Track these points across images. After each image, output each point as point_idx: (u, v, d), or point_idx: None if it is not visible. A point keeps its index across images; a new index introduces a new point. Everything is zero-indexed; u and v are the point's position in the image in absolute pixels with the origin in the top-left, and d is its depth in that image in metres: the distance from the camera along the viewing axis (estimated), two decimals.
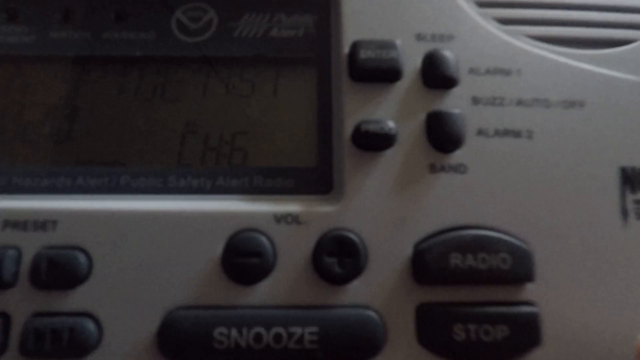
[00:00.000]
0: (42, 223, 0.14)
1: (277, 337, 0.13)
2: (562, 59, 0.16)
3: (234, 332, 0.13)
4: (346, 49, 0.16)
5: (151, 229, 0.14)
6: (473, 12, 0.17)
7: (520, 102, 0.16)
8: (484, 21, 0.17)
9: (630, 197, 0.15)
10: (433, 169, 0.15)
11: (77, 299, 0.13)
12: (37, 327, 0.13)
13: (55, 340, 0.13)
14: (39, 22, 0.17)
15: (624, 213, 0.15)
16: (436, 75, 0.16)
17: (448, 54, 0.16)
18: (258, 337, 0.13)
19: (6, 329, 0.13)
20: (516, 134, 0.15)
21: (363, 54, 0.16)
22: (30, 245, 0.14)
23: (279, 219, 0.14)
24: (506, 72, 0.16)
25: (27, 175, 0.15)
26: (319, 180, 0.15)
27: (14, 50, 0.17)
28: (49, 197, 0.15)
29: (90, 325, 0.13)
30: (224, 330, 0.13)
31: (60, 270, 0.13)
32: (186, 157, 0.16)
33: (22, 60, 0.17)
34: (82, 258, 0.14)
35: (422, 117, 0.15)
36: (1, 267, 0.13)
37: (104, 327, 0.13)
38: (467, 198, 0.14)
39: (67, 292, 0.13)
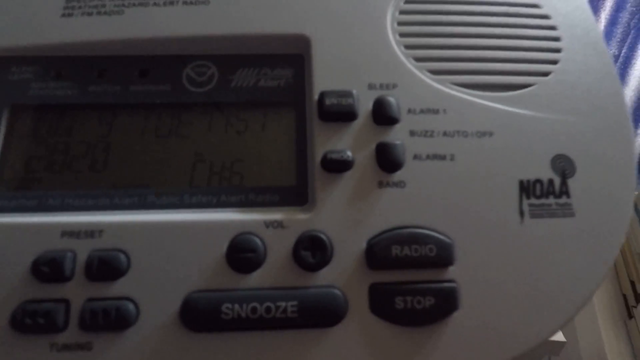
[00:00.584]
0: (91, 232, 0.19)
1: (268, 309, 0.18)
2: (478, 100, 0.22)
3: (236, 307, 0.18)
4: (316, 96, 0.21)
5: (172, 234, 0.19)
6: (411, 65, 0.22)
7: (445, 134, 0.21)
8: (419, 72, 0.22)
9: (525, 202, 0.20)
10: (380, 184, 0.20)
11: (120, 287, 0.18)
12: (92, 308, 0.18)
13: (105, 317, 0.18)
14: (79, 78, 0.22)
15: (522, 213, 0.20)
16: (383, 115, 0.21)
17: (392, 99, 0.21)
18: (254, 310, 0.18)
19: (67, 311, 0.18)
20: (442, 157, 0.21)
21: (328, 101, 0.21)
22: (83, 248, 0.18)
23: (268, 224, 0.19)
24: (435, 111, 0.21)
25: (76, 197, 0.20)
26: (297, 195, 0.20)
27: (60, 100, 0.22)
28: (94, 212, 0.20)
29: (131, 306, 0.18)
30: (229, 305, 0.18)
31: (107, 266, 0.18)
32: (196, 180, 0.21)
33: (68, 107, 0.22)
34: (122, 257, 0.18)
35: (372, 146, 0.20)
36: (63, 265, 0.18)
37: (140, 307, 0.18)
38: (405, 206, 0.19)
39: (112, 283, 0.18)
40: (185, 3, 0.23)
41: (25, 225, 0.19)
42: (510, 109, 0.22)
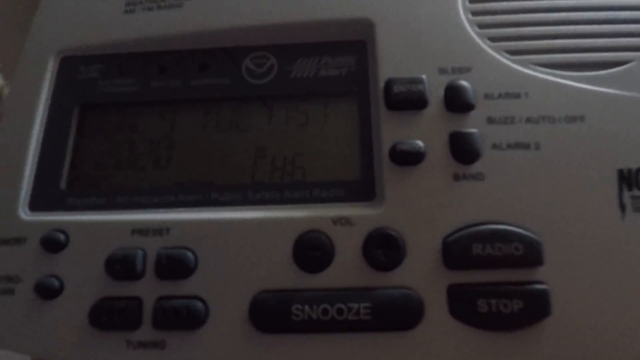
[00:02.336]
0: (159, 230, 0.19)
1: (340, 311, 0.17)
2: (563, 81, 0.19)
3: (307, 308, 0.17)
4: (382, 84, 0.20)
5: (238, 232, 0.18)
6: (486, 46, 0.20)
7: (528, 120, 0.19)
8: (496, 53, 0.20)
9: (627, 194, 0.18)
10: (456, 177, 0.18)
11: (189, 286, 0.18)
12: (164, 306, 0.18)
13: (177, 316, 0.17)
14: (142, 75, 0.22)
15: (622, 207, 0.18)
16: (456, 101, 0.19)
17: (466, 83, 0.19)
18: (325, 311, 0.17)
19: (140, 309, 0.18)
20: (525, 146, 0.19)
21: (396, 88, 0.19)
22: (152, 246, 0.19)
23: (335, 221, 0.18)
24: (516, 95, 0.19)
25: (142, 194, 0.20)
26: (364, 190, 0.19)
27: (124, 98, 0.22)
28: (160, 210, 0.20)
29: (200, 305, 0.18)
30: (299, 306, 0.17)
31: (176, 265, 0.18)
32: (258, 175, 0.20)
33: (130, 105, 0.22)
34: (190, 255, 0.18)
35: (446, 136, 0.19)
36: (135, 263, 0.18)
37: (209, 306, 0.18)
38: (485, 200, 0.18)
39: (182, 281, 0.18)
40: None
41: (98, 223, 0.19)
42: (603, 89, 0.19)
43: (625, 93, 0.19)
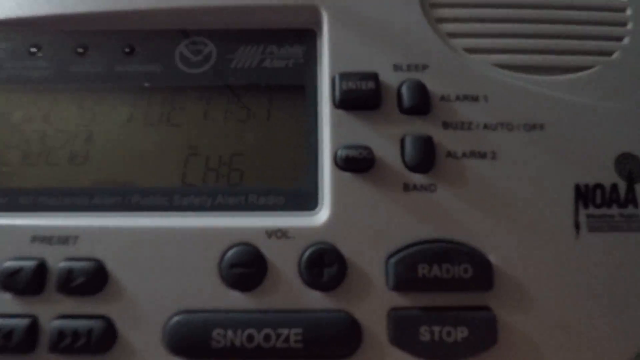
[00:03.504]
0: (65, 238, 0.16)
1: (267, 337, 0.15)
2: (524, 85, 0.18)
3: (229, 333, 0.15)
4: (330, 79, 0.18)
5: (158, 243, 0.16)
6: (444, 43, 0.19)
7: (486, 126, 0.17)
8: (454, 51, 0.19)
9: (582, 212, 0.17)
10: (406, 188, 0.17)
11: (96, 303, 0.16)
12: (62, 327, 0.15)
13: (77, 339, 0.15)
14: (58, 57, 0.19)
15: (577, 226, 0.16)
16: (411, 102, 0.17)
17: (422, 82, 0.18)
18: (250, 338, 0.15)
19: (34, 329, 0.15)
20: (482, 155, 0.17)
21: (344, 85, 0.18)
22: (55, 257, 0.16)
23: (270, 234, 0.16)
24: (474, 98, 0.18)
25: (51, 195, 0.18)
26: (306, 198, 0.17)
27: (37, 82, 0.19)
28: (70, 214, 0.17)
29: (106, 327, 0.15)
30: (220, 331, 0.15)
31: (80, 279, 0.16)
32: (189, 177, 0.18)
33: (44, 91, 0.19)
34: (99, 269, 0.16)
35: (397, 141, 0.17)
36: (32, 275, 0.16)
37: (118, 328, 0.15)
38: (435, 214, 0.16)
39: (87, 298, 0.16)
40: None
41: None
42: (564, 96, 0.18)
43: (587, 101, 0.18)
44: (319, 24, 0.19)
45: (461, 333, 0.15)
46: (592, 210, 0.17)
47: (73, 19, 0.20)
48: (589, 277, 0.16)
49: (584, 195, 0.17)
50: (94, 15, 0.20)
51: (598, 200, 0.17)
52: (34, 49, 0.20)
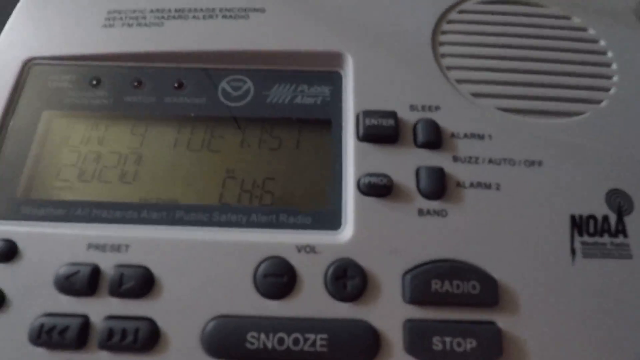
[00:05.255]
0: (117, 246, 0.18)
1: (296, 341, 0.17)
2: (525, 127, 0.21)
3: (262, 336, 0.17)
4: (354, 115, 0.21)
5: (199, 254, 0.18)
6: (453, 88, 0.21)
7: (491, 161, 0.20)
8: (462, 95, 0.21)
9: (577, 239, 0.19)
10: (421, 212, 0.19)
11: (142, 306, 0.17)
12: (111, 326, 0.17)
13: (124, 337, 0.17)
14: (116, 88, 0.22)
15: (573, 252, 0.18)
16: (424, 138, 0.20)
17: (434, 121, 0.20)
18: (281, 341, 0.17)
19: (86, 328, 0.17)
20: (487, 186, 0.19)
21: (368, 121, 0.20)
22: (108, 263, 0.18)
23: (300, 248, 0.18)
24: (480, 137, 0.20)
25: (103, 208, 0.20)
26: (331, 218, 0.19)
27: (95, 109, 0.22)
28: (121, 226, 0.19)
29: (150, 328, 0.17)
30: (255, 334, 0.17)
31: (130, 283, 0.17)
32: (226, 197, 0.20)
33: (101, 117, 0.22)
34: (146, 275, 0.18)
35: (413, 171, 0.19)
36: (87, 278, 0.17)
37: (161, 329, 0.17)
38: (446, 237, 0.18)
39: (135, 301, 0.17)
40: (224, 17, 0.23)
41: (53, 235, 0.18)
42: (560, 137, 0.20)
43: (580, 142, 0.20)
44: (344, 67, 0.22)
45: (470, 344, 0.16)
46: (586, 238, 0.18)
47: (130, 57, 0.23)
48: (584, 298, 0.18)
49: (579, 224, 0.19)
50: (149, 54, 0.23)
51: (591, 230, 0.19)
52: (94, 82, 0.22)
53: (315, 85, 0.22)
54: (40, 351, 0.17)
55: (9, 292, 0.17)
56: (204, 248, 0.18)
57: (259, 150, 0.21)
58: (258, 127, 0.21)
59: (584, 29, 0.23)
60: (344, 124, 0.21)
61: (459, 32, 0.23)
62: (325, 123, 0.21)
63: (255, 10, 0.24)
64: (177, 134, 0.21)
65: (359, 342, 0.17)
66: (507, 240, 0.18)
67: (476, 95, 0.21)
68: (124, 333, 0.17)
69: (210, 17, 0.23)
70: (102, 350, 0.17)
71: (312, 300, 0.17)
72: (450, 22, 0.23)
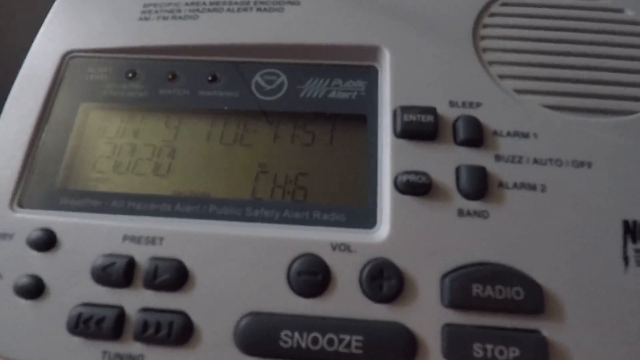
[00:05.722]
0: (152, 239, 0.18)
1: (330, 341, 0.16)
2: (572, 125, 0.19)
3: (296, 335, 0.16)
4: (390, 111, 0.20)
5: (233, 249, 0.18)
6: (496, 83, 0.20)
7: (536, 161, 0.19)
8: (505, 91, 0.20)
9: (631, 246, 0.17)
10: (461, 213, 0.18)
11: (176, 299, 0.17)
12: (146, 319, 0.17)
13: (159, 330, 0.17)
14: (151, 81, 0.22)
15: (626, 260, 0.17)
16: (465, 135, 0.19)
17: (475, 118, 0.19)
18: (315, 340, 0.16)
19: (121, 319, 0.17)
20: (532, 187, 0.18)
21: (406, 117, 0.19)
22: (143, 255, 0.18)
23: (334, 247, 0.18)
24: (525, 135, 0.19)
25: (138, 200, 0.20)
26: (366, 217, 0.19)
27: (130, 102, 0.22)
28: (155, 218, 0.19)
29: (185, 321, 0.17)
30: (288, 332, 0.16)
31: (165, 276, 0.17)
32: (259, 192, 0.20)
33: (136, 110, 0.22)
34: (181, 268, 0.18)
35: (452, 169, 0.19)
36: (123, 269, 0.18)
37: (195, 323, 0.17)
38: (488, 239, 0.17)
39: (169, 294, 0.17)
40: (259, 10, 0.23)
41: (90, 226, 0.19)
42: (611, 137, 0.19)
43: (632, 142, 0.19)
44: (380, 61, 0.21)
45: (513, 353, 0.16)
46: None
47: (165, 50, 0.23)
48: (637, 309, 0.17)
49: (632, 230, 0.18)
50: (183, 47, 0.22)
51: None
52: (130, 74, 0.22)
53: (350, 80, 0.22)
54: (78, 340, 0.17)
55: (48, 281, 0.18)
56: (238, 243, 0.18)
57: (292, 145, 0.21)
58: (291, 121, 0.21)
59: (637, 23, 0.22)
60: (379, 119, 0.20)
61: (502, 26, 0.22)
62: (360, 118, 0.21)
63: (290, 3, 0.23)
64: (210, 128, 0.21)
65: (395, 345, 0.16)
66: (553, 245, 0.17)
67: (520, 91, 0.20)
68: (158, 326, 0.17)
69: (245, 9, 0.23)
70: (137, 341, 0.17)
71: (347, 300, 0.17)
72: (492, 14, 0.22)
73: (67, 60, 0.23)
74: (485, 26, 0.22)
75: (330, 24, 0.22)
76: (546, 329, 0.16)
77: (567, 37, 0.22)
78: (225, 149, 0.21)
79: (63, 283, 0.18)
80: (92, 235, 0.18)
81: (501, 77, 0.21)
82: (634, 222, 0.18)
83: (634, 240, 0.17)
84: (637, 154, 0.19)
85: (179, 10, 0.23)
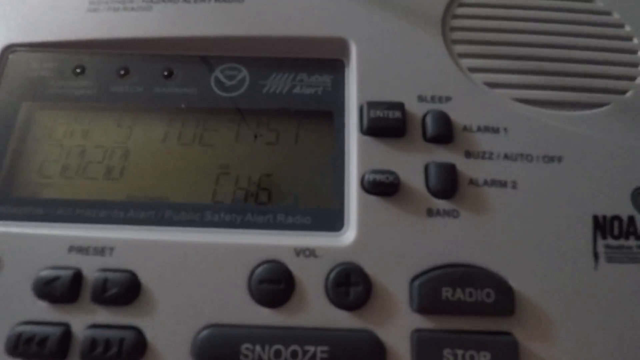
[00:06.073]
0: (102, 249, 0.17)
1: (294, 354, 0.15)
2: (543, 119, 0.19)
3: (257, 348, 0.15)
4: (358, 107, 0.19)
5: (190, 257, 0.17)
6: (466, 77, 0.20)
7: (506, 156, 0.18)
8: (476, 85, 0.20)
9: (601, 242, 0.17)
10: (430, 213, 0.17)
11: (128, 314, 0.16)
12: (94, 336, 0.16)
13: (107, 349, 0.15)
14: (100, 78, 0.21)
15: (596, 256, 0.17)
16: (434, 131, 0.18)
17: (445, 113, 0.19)
18: (278, 353, 0.15)
19: (67, 337, 0.16)
20: (502, 184, 0.18)
21: (372, 113, 0.18)
22: (91, 267, 0.17)
23: (298, 252, 0.17)
24: (495, 130, 0.19)
25: (87, 207, 0.18)
26: (332, 219, 0.18)
27: (79, 100, 0.20)
28: (106, 226, 0.18)
29: (137, 338, 0.16)
30: (249, 345, 0.15)
31: (114, 289, 0.16)
32: (219, 195, 0.18)
33: (85, 109, 0.20)
34: (132, 280, 0.16)
35: (421, 167, 0.18)
36: (67, 283, 0.16)
37: (148, 339, 0.16)
38: (458, 239, 0.17)
39: (120, 308, 0.16)
40: (217, 0, 0.22)
41: (32, 237, 0.17)
42: (582, 131, 0.19)
43: (603, 136, 0.19)
44: (347, 55, 0.20)
45: (484, 357, 0.15)
46: (610, 241, 0.17)
47: (116, 43, 0.21)
48: (608, 306, 0.16)
49: (602, 226, 0.17)
50: (136, 40, 0.21)
51: (616, 232, 0.17)
52: (78, 70, 0.21)
53: (315, 74, 0.21)
54: None
55: None
56: (195, 251, 0.17)
57: (255, 145, 0.20)
58: (254, 119, 0.20)
59: (608, 13, 0.22)
60: (346, 116, 0.19)
61: (472, 17, 0.21)
62: (326, 115, 0.20)
63: None
64: (167, 127, 0.20)
65: (363, 354, 0.15)
66: (524, 243, 0.17)
67: (490, 85, 0.20)
68: (107, 343, 0.15)
69: (203, 0, 0.22)
70: None
71: (312, 309, 0.16)
72: (462, 4, 0.22)
73: (7, 54, 0.21)
74: (455, 17, 0.22)
75: (294, 15, 0.21)
76: (518, 331, 0.16)
77: (538, 28, 0.21)
78: (184, 149, 0.20)
79: (2, 300, 0.16)
80: (35, 246, 0.17)
81: (472, 70, 0.20)
82: (604, 217, 0.17)
83: (604, 236, 0.17)
84: (607, 147, 0.18)
85: (131, 1, 0.22)
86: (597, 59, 0.20)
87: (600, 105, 0.20)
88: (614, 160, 0.18)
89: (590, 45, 0.21)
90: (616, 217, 0.17)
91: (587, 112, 0.19)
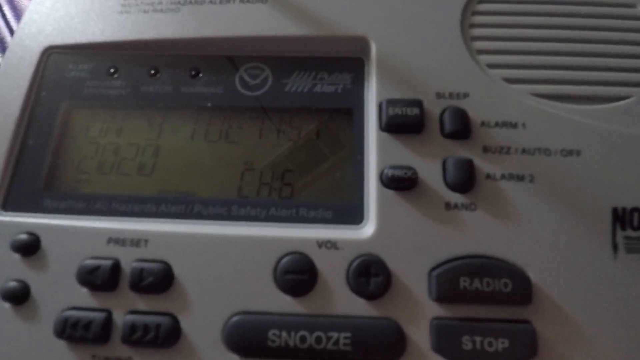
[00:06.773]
0: (137, 241, 0.18)
1: (318, 339, 0.16)
2: (561, 114, 0.19)
3: (284, 334, 0.16)
4: (377, 104, 0.20)
5: (219, 249, 0.18)
6: (484, 73, 0.20)
7: (524, 151, 0.18)
8: (494, 80, 0.20)
9: (620, 234, 0.17)
10: (448, 206, 0.18)
11: (163, 301, 0.17)
12: (134, 321, 0.17)
13: (147, 333, 0.17)
14: (132, 78, 0.22)
15: (615, 247, 0.17)
16: (452, 127, 0.19)
17: (463, 109, 0.19)
18: (303, 339, 0.16)
19: (109, 323, 0.17)
20: (520, 178, 0.18)
21: (391, 110, 0.19)
22: (128, 257, 0.18)
23: (321, 244, 0.17)
24: (513, 125, 0.19)
25: (122, 201, 0.19)
26: (352, 213, 0.18)
27: (112, 100, 0.21)
28: (140, 220, 0.19)
29: (172, 323, 0.17)
30: (276, 331, 0.16)
31: (151, 278, 0.17)
32: (244, 190, 0.19)
33: (119, 108, 0.21)
34: (167, 270, 0.17)
35: (439, 163, 0.18)
36: (108, 273, 0.17)
37: (182, 325, 0.17)
38: (475, 232, 0.17)
39: (156, 296, 0.17)
40: (242, 2, 0.22)
41: (74, 229, 0.18)
42: (600, 124, 0.19)
43: (622, 129, 0.19)
44: (367, 53, 0.21)
45: (502, 344, 0.16)
46: (629, 232, 0.17)
47: (146, 44, 0.22)
48: (626, 297, 0.16)
49: (621, 218, 0.17)
50: (165, 41, 0.22)
51: (635, 223, 0.17)
52: (111, 71, 0.22)
53: (335, 73, 0.21)
54: (65, 344, 0.17)
55: (33, 285, 0.18)
56: (224, 243, 0.18)
57: (278, 141, 0.20)
58: (277, 117, 0.21)
59: (631, 6, 0.21)
60: (366, 113, 0.20)
61: (492, 13, 0.22)
62: (346, 112, 0.20)
63: None
64: (195, 125, 0.21)
65: (383, 341, 0.16)
66: (541, 235, 0.17)
67: (509, 80, 0.20)
68: (145, 329, 0.17)
69: (228, 1, 0.22)
70: (124, 345, 0.17)
71: (335, 298, 0.17)
72: (481, 1, 0.22)
73: (46, 56, 0.22)
74: (475, 13, 0.22)
75: (314, 15, 0.22)
76: (535, 318, 0.16)
77: (558, 23, 0.21)
78: (210, 146, 0.20)
79: (49, 287, 0.18)
80: (77, 238, 0.18)
81: (490, 66, 0.20)
82: (623, 209, 0.18)
83: (623, 228, 0.17)
84: (626, 140, 0.19)
85: (160, 3, 0.23)
86: (618, 52, 0.20)
87: (621, 98, 0.20)
88: (633, 153, 0.18)
89: (612, 38, 0.21)
90: (636, 209, 0.17)
91: (607, 105, 0.19)
